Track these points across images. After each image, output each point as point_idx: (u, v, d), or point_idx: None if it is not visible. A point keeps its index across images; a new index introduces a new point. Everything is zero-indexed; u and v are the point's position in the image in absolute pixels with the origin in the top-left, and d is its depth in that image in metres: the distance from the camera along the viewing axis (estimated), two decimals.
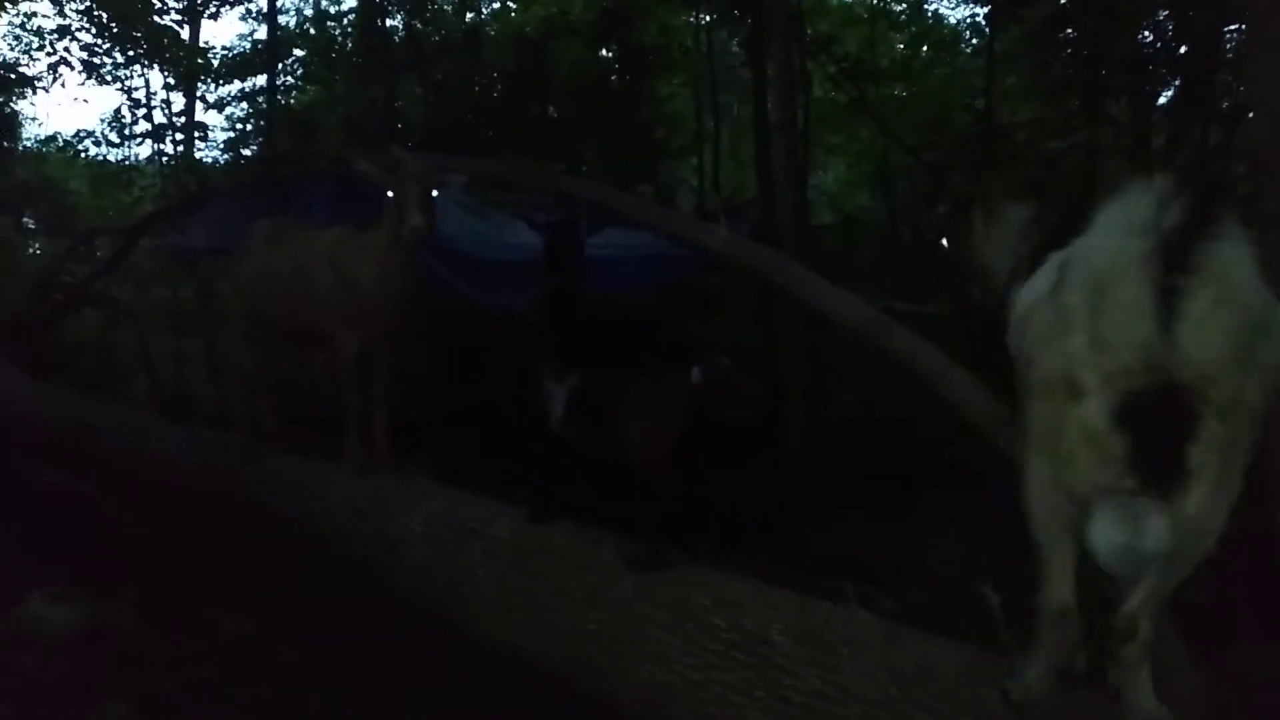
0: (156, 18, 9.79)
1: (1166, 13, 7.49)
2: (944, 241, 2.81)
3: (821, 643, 2.49)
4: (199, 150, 10.83)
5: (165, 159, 10.22)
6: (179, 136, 10.41)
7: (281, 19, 12.18)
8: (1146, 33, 7.76)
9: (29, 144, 13.91)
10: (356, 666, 3.51)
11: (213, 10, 11.17)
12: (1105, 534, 1.84)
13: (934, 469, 4.70)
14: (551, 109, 9.58)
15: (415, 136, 8.74)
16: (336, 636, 3.67)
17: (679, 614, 2.70)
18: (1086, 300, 1.82)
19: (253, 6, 11.65)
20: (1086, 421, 1.80)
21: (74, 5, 9.82)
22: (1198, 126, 7.19)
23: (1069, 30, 8.07)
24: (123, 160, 10.97)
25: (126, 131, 10.16)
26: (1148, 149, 7.74)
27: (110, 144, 10.74)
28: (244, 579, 4.15)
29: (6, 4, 10.28)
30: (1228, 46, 7.05)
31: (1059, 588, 2.03)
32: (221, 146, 11.11)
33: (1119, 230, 1.85)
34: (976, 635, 2.50)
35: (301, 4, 14.63)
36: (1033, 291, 2.14)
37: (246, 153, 10.67)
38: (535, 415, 3.16)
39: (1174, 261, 1.71)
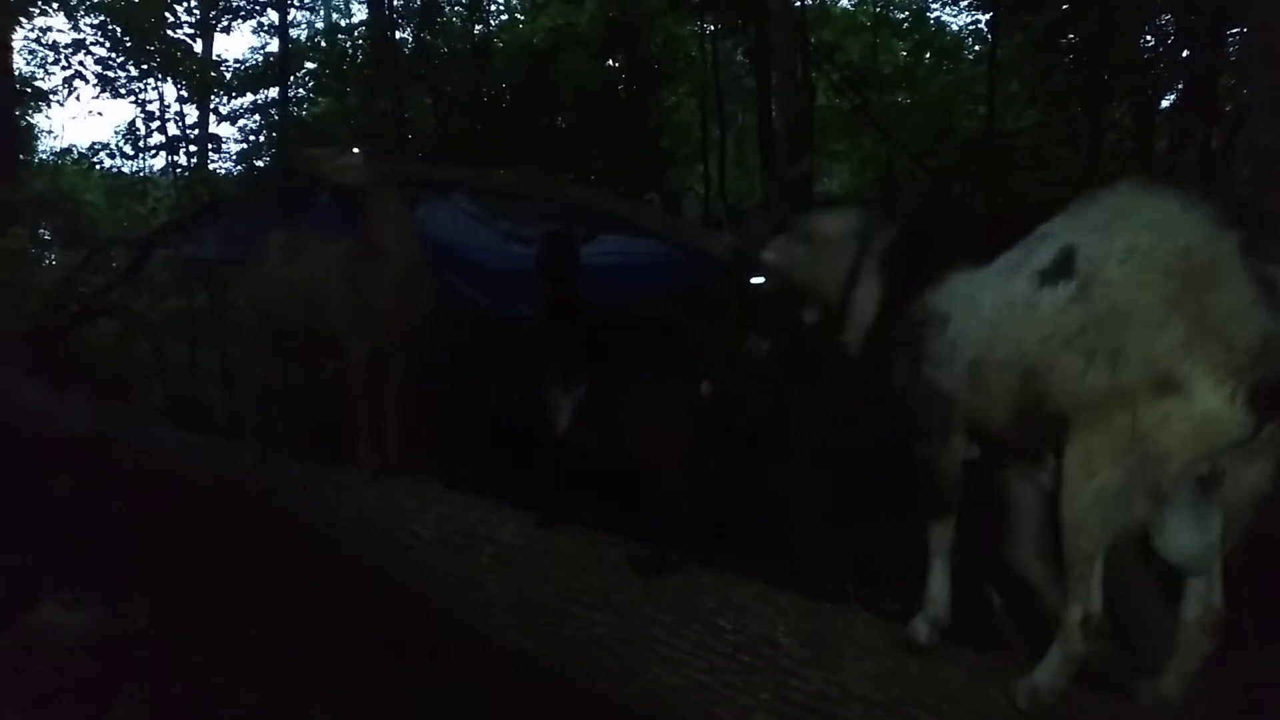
0: (170, 31, 9.91)
1: (1168, 17, 7.51)
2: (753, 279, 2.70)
3: (826, 645, 2.52)
4: (212, 162, 10.95)
5: (179, 171, 10.33)
6: (192, 148, 10.53)
7: (293, 32, 12.35)
8: (1148, 37, 7.77)
9: (44, 157, 14.10)
10: (367, 671, 3.54)
11: (225, 24, 11.29)
12: (1186, 536, 1.96)
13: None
14: (559, 119, 9.66)
15: (425, 147, 8.81)
16: (347, 641, 3.71)
17: (686, 616, 2.73)
18: (1167, 294, 1.82)
19: (264, 20, 11.79)
20: (1206, 415, 1.79)
21: (89, 20, 9.96)
22: (1200, 129, 7.20)
23: (1071, 36, 8.09)
24: (137, 172, 11.12)
25: (141, 144, 10.29)
26: (1150, 153, 7.75)
27: (125, 156, 10.88)
28: (255, 585, 4.19)
29: (22, 18, 10.41)
30: (1230, 49, 7.06)
31: (1095, 598, 2.03)
32: (234, 158, 11.22)
33: (1160, 224, 1.89)
34: (980, 637, 2.53)
35: (312, 17, 14.83)
36: (1024, 305, 2.06)
37: (259, 164, 10.76)
38: (540, 422, 3.20)
39: (1264, 254, 1.80)
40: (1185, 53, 7.69)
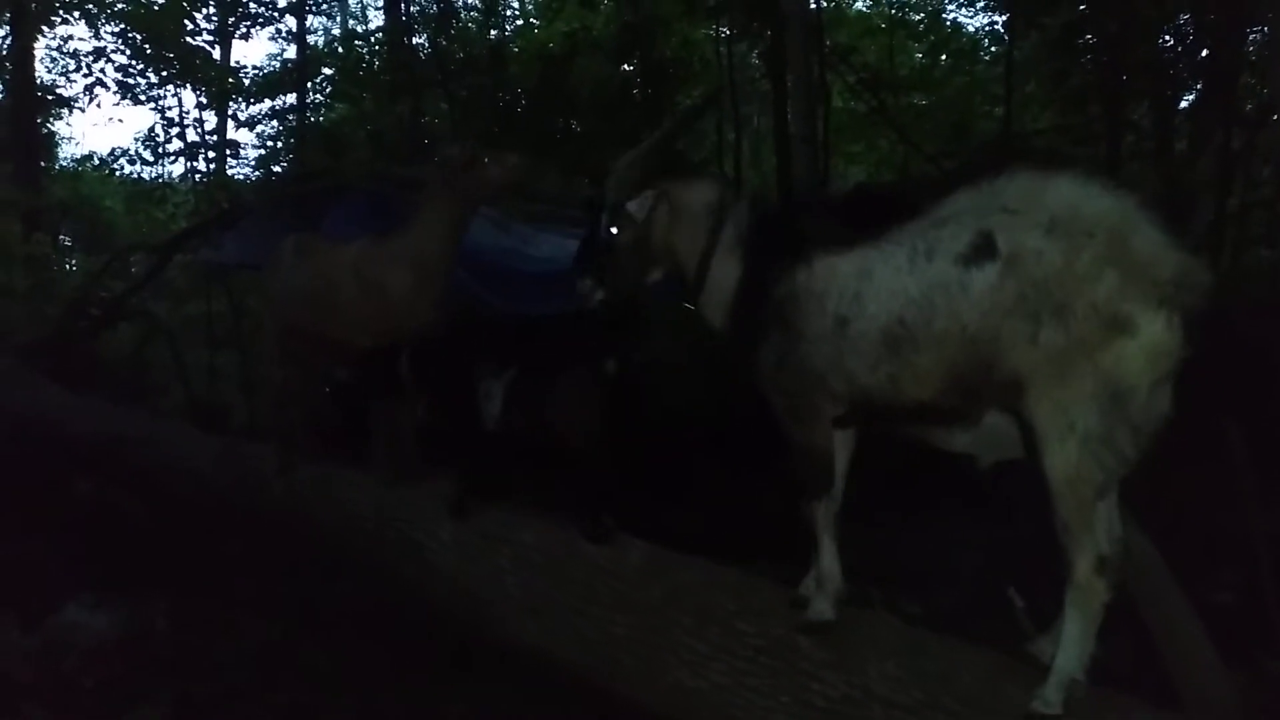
0: (189, 39, 10.00)
1: (1187, 16, 7.45)
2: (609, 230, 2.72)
3: (847, 647, 2.51)
4: (230, 167, 11.05)
5: (198, 176, 10.43)
6: (211, 154, 10.62)
7: (310, 39, 12.44)
8: (1167, 36, 7.72)
9: (65, 163, 14.27)
10: (387, 671, 3.56)
11: (243, 31, 11.40)
12: None
13: (955, 473, 4.68)
14: (574, 123, 9.67)
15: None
16: (367, 642, 3.73)
17: (706, 619, 2.73)
18: (1095, 253, 2.07)
19: (282, 27, 11.89)
20: (1154, 342, 2.03)
21: (109, 28, 10.08)
22: (1220, 130, 7.14)
23: (1088, 36, 8.04)
24: (156, 178, 11.23)
25: (160, 150, 10.38)
26: (1170, 153, 7.69)
27: (144, 162, 10.99)
28: (276, 586, 4.23)
29: (44, 27, 10.55)
30: (1250, 48, 7.00)
31: (1103, 540, 2.14)
32: (253, 164, 11.31)
33: (1069, 200, 2.16)
34: (1000, 640, 2.52)
35: (330, 24, 14.94)
36: (956, 285, 2.22)
37: (277, 169, 10.83)
38: (472, 412, 3.50)
39: (1153, 208, 2.15)
40: (1204, 52, 7.63)
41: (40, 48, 10.98)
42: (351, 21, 15.44)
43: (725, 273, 2.64)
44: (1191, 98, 8.14)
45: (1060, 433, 2.09)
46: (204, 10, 10.40)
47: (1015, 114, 9.08)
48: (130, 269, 9.00)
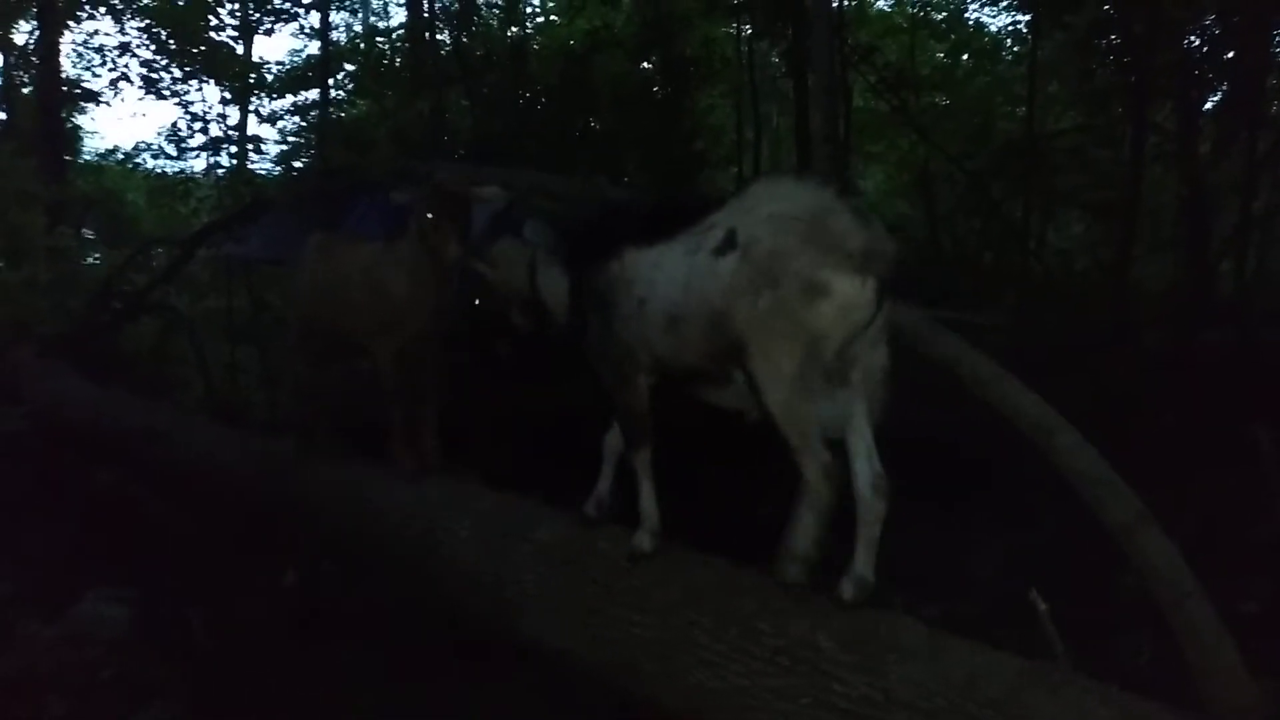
0: (213, 34, 10.07)
1: (1213, 17, 7.36)
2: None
3: (868, 649, 2.49)
4: (253, 162, 11.10)
5: (220, 171, 10.48)
6: (234, 149, 10.67)
7: (333, 35, 12.48)
8: (1192, 38, 7.62)
9: (89, 157, 14.40)
10: (405, 667, 3.57)
11: (267, 27, 11.42)
12: (838, 406, 2.68)
13: (975, 476, 4.65)
14: (594, 120, 9.66)
15: (462, 148, 8.87)
16: (385, 638, 3.74)
17: (725, 619, 2.72)
18: (799, 235, 2.58)
19: (305, 23, 11.93)
20: (846, 301, 2.52)
21: (134, 24, 10.16)
22: (1245, 132, 7.05)
23: (1113, 37, 7.96)
24: (179, 172, 11.29)
25: (183, 144, 10.44)
26: (1194, 155, 7.61)
27: (168, 157, 11.06)
28: (295, 581, 4.25)
29: (70, 22, 10.65)
30: (1276, 50, 6.91)
31: (823, 450, 2.65)
32: (274, 159, 11.36)
33: (785, 197, 2.69)
34: (1022, 644, 2.50)
35: (352, 20, 15.00)
36: (708, 272, 2.73)
37: (299, 165, 10.88)
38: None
39: (849, 195, 2.78)
40: (1230, 54, 7.54)
41: (66, 43, 11.10)
42: (373, 18, 15.51)
43: (555, 281, 3.28)
44: (1216, 99, 8.05)
45: (773, 378, 2.60)
46: (228, 6, 10.45)
47: (1038, 114, 9.00)
48: (152, 263, 9.08)
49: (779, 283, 2.57)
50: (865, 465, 2.70)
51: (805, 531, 2.70)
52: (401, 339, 3.91)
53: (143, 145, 11.57)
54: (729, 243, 2.71)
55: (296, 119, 11.57)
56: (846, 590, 2.67)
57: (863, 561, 2.68)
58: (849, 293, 2.53)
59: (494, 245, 3.46)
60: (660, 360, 2.98)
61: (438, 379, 4.09)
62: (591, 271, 3.09)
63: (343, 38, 13.52)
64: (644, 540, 3.09)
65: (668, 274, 2.87)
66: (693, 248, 2.82)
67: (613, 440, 3.31)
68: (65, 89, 11.18)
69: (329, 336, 4.32)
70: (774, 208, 2.69)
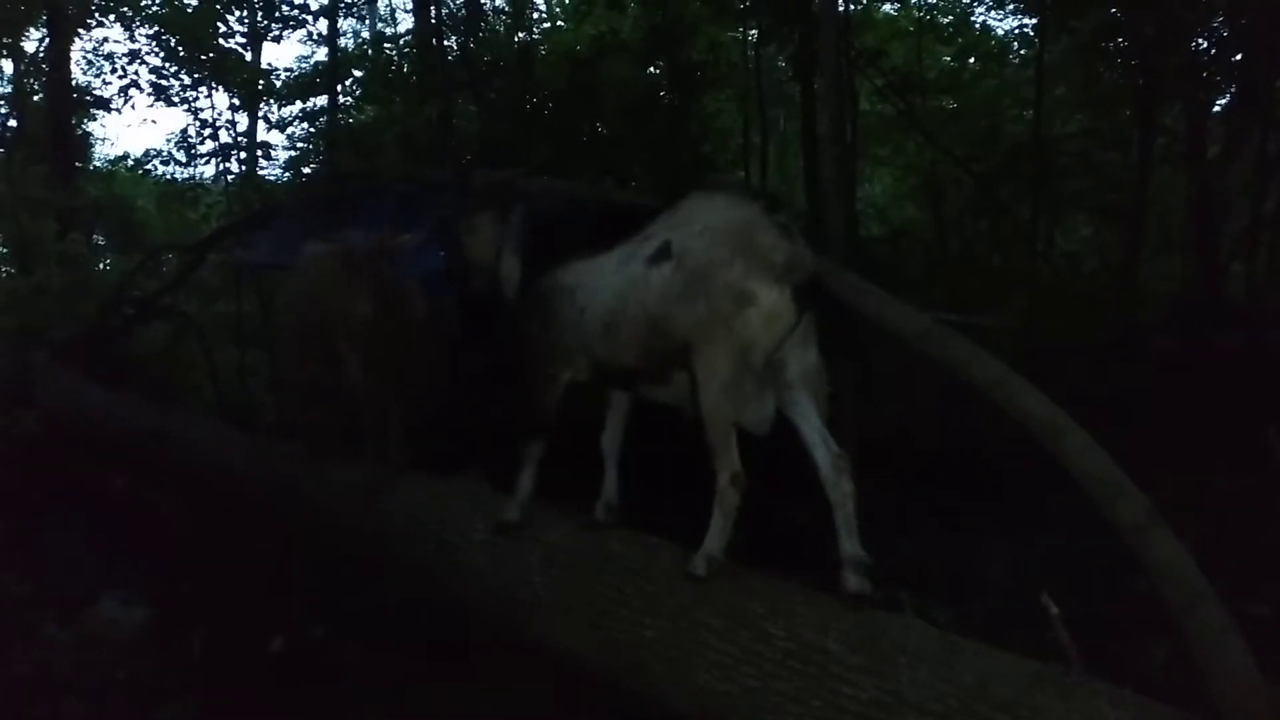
0: (222, 41, 10.09)
1: (1222, 19, 7.34)
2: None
3: (879, 652, 2.51)
4: (262, 169, 11.11)
5: (230, 177, 10.51)
6: (243, 155, 10.69)
7: (341, 42, 12.52)
8: (1201, 39, 7.60)
9: (100, 163, 14.47)
10: (417, 670, 3.59)
11: (275, 34, 11.46)
12: (754, 409, 2.91)
13: (985, 479, 4.65)
14: (601, 125, 9.67)
15: (470, 153, 8.89)
16: (397, 640, 3.76)
17: (736, 622, 2.73)
18: (730, 248, 2.79)
19: (313, 30, 11.96)
20: (771, 309, 2.75)
21: (144, 31, 10.19)
22: (1255, 134, 7.02)
23: (1120, 39, 7.94)
24: (189, 179, 11.30)
25: (192, 151, 10.46)
26: (1203, 157, 7.58)
27: (177, 163, 11.05)
28: (306, 583, 4.27)
29: (80, 30, 10.71)
30: None
31: (737, 461, 2.85)
32: (283, 165, 11.39)
33: (717, 212, 2.93)
34: (1033, 647, 2.50)
35: (360, 27, 15.06)
36: (643, 281, 2.97)
37: (307, 170, 10.91)
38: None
39: (775, 212, 2.94)
40: (1239, 55, 7.51)
41: (76, 50, 11.15)
42: (381, 25, 15.57)
43: (512, 268, 3.54)
44: (1225, 101, 8.03)
45: (708, 381, 2.80)
46: (237, 13, 10.48)
47: (1045, 117, 8.97)
48: (162, 268, 9.11)
49: (711, 292, 2.78)
50: (823, 450, 2.86)
51: (717, 533, 2.92)
52: (368, 350, 4.06)
53: (153, 152, 11.61)
54: (664, 253, 2.92)
55: (305, 125, 11.58)
56: (850, 581, 2.74)
57: (850, 543, 2.79)
58: (774, 301, 2.75)
59: (477, 215, 3.67)
60: (600, 362, 3.21)
61: (408, 387, 4.25)
62: (539, 275, 3.39)
63: (351, 44, 13.59)
64: (512, 511, 3.44)
65: (605, 283, 3.11)
66: (628, 258, 3.05)
67: (610, 440, 3.47)
68: (75, 96, 11.24)
69: (316, 343, 4.43)
70: (707, 221, 2.90)
